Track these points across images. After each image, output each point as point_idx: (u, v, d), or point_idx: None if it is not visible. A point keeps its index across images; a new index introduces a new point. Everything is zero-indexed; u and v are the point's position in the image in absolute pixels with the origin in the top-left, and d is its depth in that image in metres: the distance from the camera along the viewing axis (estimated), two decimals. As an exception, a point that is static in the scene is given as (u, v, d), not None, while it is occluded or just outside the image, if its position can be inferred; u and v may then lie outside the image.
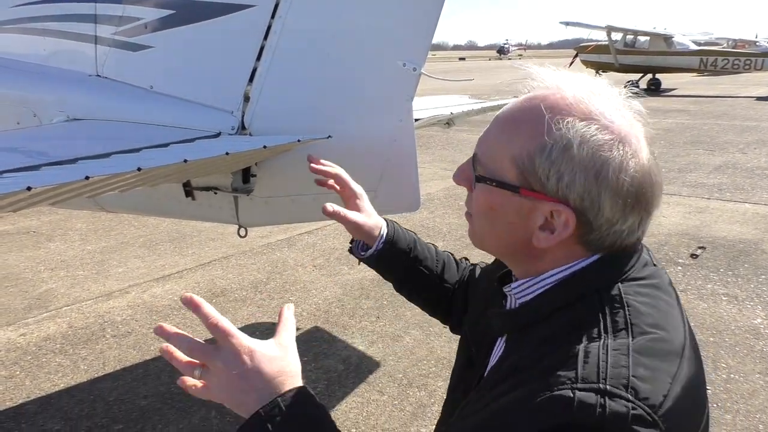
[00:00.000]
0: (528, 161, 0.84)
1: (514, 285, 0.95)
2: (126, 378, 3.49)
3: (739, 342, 3.83)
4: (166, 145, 2.27)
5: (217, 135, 2.46)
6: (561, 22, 24.98)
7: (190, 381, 0.85)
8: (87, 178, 1.35)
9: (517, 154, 0.85)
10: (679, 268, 5.09)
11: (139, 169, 1.46)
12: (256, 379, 0.84)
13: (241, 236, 2.65)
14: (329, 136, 1.89)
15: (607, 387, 0.69)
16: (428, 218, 6.77)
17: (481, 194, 0.92)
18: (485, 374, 0.96)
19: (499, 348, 0.98)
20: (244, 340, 0.87)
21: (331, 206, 1.32)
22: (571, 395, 0.69)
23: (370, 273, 5.01)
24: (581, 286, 0.85)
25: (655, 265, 0.91)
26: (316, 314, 4.30)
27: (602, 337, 0.76)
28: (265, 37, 2.34)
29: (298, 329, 4.16)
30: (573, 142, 0.81)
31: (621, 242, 0.86)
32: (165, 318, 4.25)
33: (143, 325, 4.14)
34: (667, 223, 6.31)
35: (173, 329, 0.87)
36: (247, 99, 2.43)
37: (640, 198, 0.83)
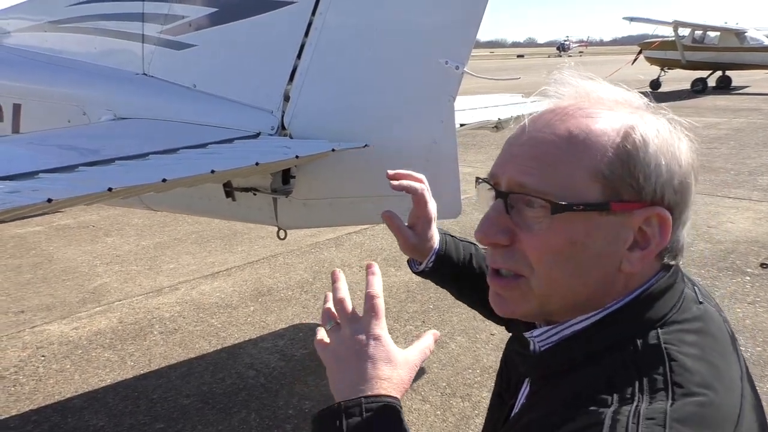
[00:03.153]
0: (613, 168, 0.71)
1: (536, 332, 0.80)
2: (170, 376, 3.51)
3: (815, 361, 3.53)
4: (204, 145, 2.23)
5: (257, 135, 2.41)
6: (625, 18, 24.09)
7: (321, 333, 0.87)
8: (164, 180, 1.35)
9: (596, 165, 0.71)
10: (747, 278, 4.76)
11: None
12: (363, 366, 0.80)
13: (280, 238, 2.59)
14: (366, 145, 1.78)
15: None
16: (475, 223, 6.48)
17: (549, 234, 0.72)
18: (511, 416, 0.84)
19: (525, 388, 0.86)
20: (381, 327, 0.83)
21: (390, 214, 1.20)
22: None
23: (415, 276, 4.93)
24: (613, 333, 0.72)
25: (701, 302, 0.76)
26: (361, 317, 4.22)
27: (635, 399, 0.63)
28: (306, 34, 2.28)
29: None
30: (649, 134, 0.72)
31: (676, 251, 0.75)
32: (211, 316, 4.27)
33: (190, 322, 4.17)
34: (735, 229, 5.93)
35: (343, 280, 0.91)
36: (287, 98, 2.37)
37: (690, 187, 0.75)
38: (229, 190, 2.59)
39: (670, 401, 0.62)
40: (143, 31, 2.94)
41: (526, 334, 0.81)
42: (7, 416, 3.16)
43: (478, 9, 1.85)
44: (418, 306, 4.35)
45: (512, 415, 0.84)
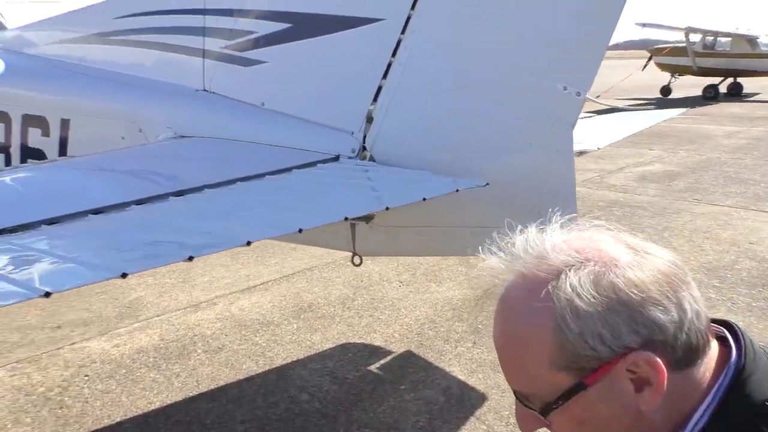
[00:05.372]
0: (562, 352, 0.74)
1: None
2: (221, 399, 3.40)
3: None
4: (288, 170, 2.12)
5: (336, 158, 2.30)
6: (637, 23, 23.97)
7: None
8: (300, 231, 1.28)
9: (547, 358, 0.75)
10: (800, 297, 4.64)
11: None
12: None
13: (355, 264, 2.48)
14: (487, 184, 1.64)
15: None
16: None
17: (560, 423, 0.78)
18: None
19: None
20: None
21: None
22: None
23: (458, 292, 4.83)
24: None
25: None
26: (409, 336, 4.11)
27: None
28: (394, 54, 2.17)
29: (390, 352, 4.00)
30: (572, 296, 0.73)
31: (696, 344, 0.75)
32: (254, 334, 4.16)
33: (233, 340, 4.06)
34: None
35: None
36: (369, 119, 2.26)
37: (664, 279, 0.74)
38: (301, 214, 2.48)
39: None
40: (204, 46, 2.83)
41: None
42: (58, 442, 3.05)
43: (606, 27, 1.72)
44: (466, 326, 4.23)
45: None
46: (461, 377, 3.60)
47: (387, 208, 1.47)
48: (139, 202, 1.75)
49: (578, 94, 1.72)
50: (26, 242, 1.40)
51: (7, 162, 3.38)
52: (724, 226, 6.22)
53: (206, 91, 2.78)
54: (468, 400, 3.36)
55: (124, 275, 1.20)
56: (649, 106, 19.75)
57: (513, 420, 3.12)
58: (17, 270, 1.26)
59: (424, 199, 1.50)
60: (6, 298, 1.10)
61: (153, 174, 2.09)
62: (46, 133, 3.20)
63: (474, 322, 4.26)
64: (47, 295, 1.09)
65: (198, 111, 2.69)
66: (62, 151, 3.14)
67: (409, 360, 3.82)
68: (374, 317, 4.40)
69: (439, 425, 3.15)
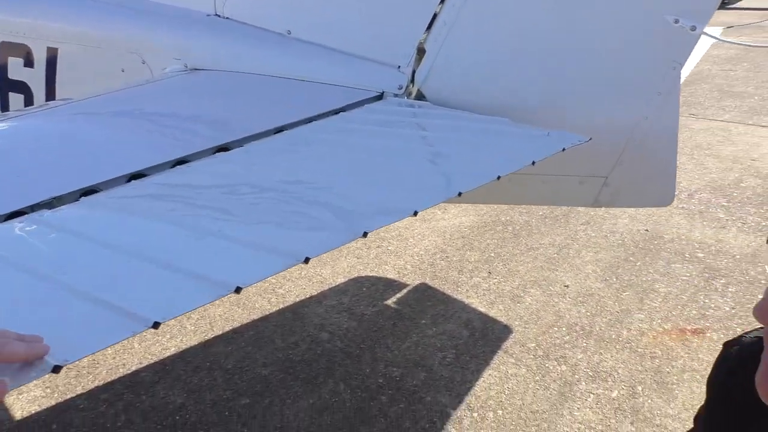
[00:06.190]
0: None
1: None
2: (238, 341, 3.29)
3: None
4: (336, 111, 1.90)
5: (380, 96, 2.07)
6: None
7: None
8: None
9: None
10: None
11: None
12: None
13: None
14: (590, 139, 1.43)
15: None
16: (687, 228, 4.47)
17: None
18: None
19: None
20: None
21: None
22: None
23: (466, 218, 4.72)
24: None
25: None
26: (422, 268, 4.02)
27: None
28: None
29: (405, 284, 3.92)
30: None
31: None
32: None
33: (241, 278, 3.91)
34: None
35: None
36: (421, 52, 2.02)
37: None
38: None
39: None
40: (212, -38, 2.48)
41: None
42: (73, 395, 2.92)
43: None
44: (479, 254, 4.15)
45: None
46: (481, 309, 3.55)
47: (499, 177, 1.28)
48: (181, 161, 1.52)
49: (693, 28, 1.51)
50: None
51: (-15, 96, 3.03)
52: (724, 143, 6.17)
53: (218, 16, 2.46)
54: (492, 333, 3.33)
55: (306, 260, 1.05)
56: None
57: (540, 352, 3.11)
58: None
59: (533, 163, 1.30)
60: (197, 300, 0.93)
61: (192, 121, 1.83)
62: (29, 64, 2.85)
63: (486, 250, 4.19)
64: (238, 290, 0.93)
65: (211, 39, 2.38)
66: (49, 84, 2.81)
67: (425, 293, 3.74)
68: (383, 248, 4.28)
69: (466, 360, 3.11)
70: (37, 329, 0.83)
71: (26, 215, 1.23)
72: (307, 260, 1.02)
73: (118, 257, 1.07)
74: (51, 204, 1.27)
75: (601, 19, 1.62)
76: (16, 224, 1.20)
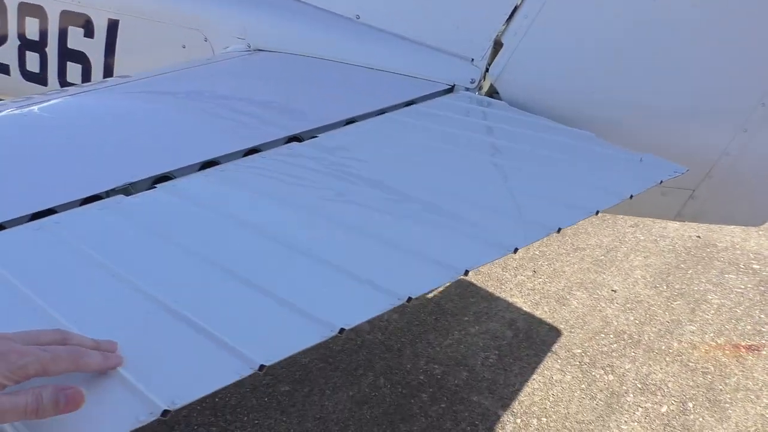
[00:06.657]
0: None
1: None
2: (279, 326, 3.26)
3: None
4: (407, 104, 1.82)
5: (451, 89, 1.99)
6: None
7: None
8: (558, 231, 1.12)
9: None
10: None
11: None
12: None
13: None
14: (688, 169, 1.31)
15: None
16: (742, 237, 4.32)
17: None
18: None
19: None
20: None
21: None
22: None
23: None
24: None
25: None
26: (465, 262, 3.94)
27: None
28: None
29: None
30: None
31: None
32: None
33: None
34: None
35: None
36: (497, 45, 1.93)
37: None
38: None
39: None
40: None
41: None
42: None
43: None
44: (523, 251, 4.05)
45: None
46: (526, 309, 3.47)
47: (597, 212, 1.18)
48: (253, 150, 1.47)
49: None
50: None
51: (43, 64, 3.03)
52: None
53: (281, -5, 2.39)
54: (537, 336, 3.25)
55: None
56: None
57: (587, 359, 3.02)
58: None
59: (631, 197, 1.21)
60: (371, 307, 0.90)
61: (261, 106, 1.77)
62: (89, 34, 2.83)
63: (530, 247, 4.09)
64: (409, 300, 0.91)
65: (277, 20, 2.31)
66: (108, 57, 2.79)
67: (468, 289, 3.67)
68: (425, 239, 4.21)
69: (509, 363, 3.04)
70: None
71: (101, 200, 1.19)
72: (466, 273, 0.98)
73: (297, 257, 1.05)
74: (127, 190, 1.22)
75: (719, 19, 1.49)
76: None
